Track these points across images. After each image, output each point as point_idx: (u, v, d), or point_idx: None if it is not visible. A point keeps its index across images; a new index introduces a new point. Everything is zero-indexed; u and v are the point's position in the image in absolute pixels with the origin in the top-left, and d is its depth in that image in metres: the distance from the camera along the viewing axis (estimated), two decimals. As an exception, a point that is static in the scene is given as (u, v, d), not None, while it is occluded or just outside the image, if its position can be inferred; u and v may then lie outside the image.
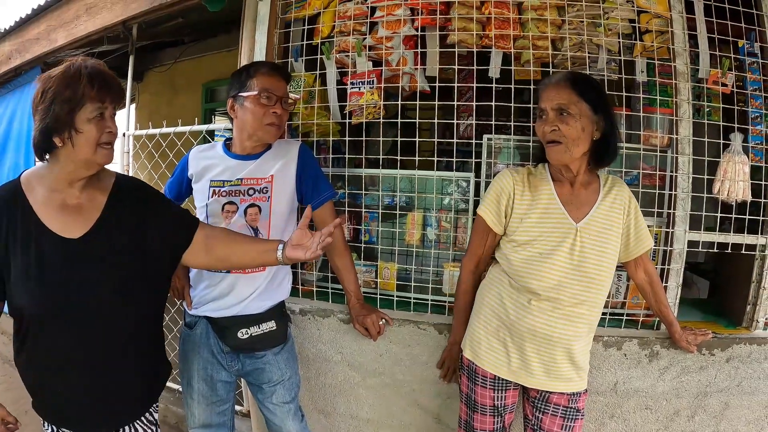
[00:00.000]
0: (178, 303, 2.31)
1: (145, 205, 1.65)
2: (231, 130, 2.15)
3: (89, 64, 1.47)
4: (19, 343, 1.54)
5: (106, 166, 1.59)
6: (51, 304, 1.46)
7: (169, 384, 3.27)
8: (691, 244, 2.24)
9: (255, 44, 2.51)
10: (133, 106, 3.60)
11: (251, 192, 2.03)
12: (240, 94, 2.01)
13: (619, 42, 2.27)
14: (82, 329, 1.50)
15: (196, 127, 2.87)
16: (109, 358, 1.56)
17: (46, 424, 1.64)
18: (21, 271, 1.46)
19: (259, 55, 2.49)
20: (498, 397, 1.88)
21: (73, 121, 1.42)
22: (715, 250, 2.27)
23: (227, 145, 2.13)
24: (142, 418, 1.73)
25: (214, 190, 2.04)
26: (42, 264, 1.46)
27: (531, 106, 2.00)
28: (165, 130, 2.95)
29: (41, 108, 1.44)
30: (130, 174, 3.14)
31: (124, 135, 3.13)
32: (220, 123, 2.85)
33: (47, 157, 1.51)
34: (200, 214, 2.08)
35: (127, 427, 1.70)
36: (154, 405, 1.78)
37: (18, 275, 1.46)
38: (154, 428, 1.78)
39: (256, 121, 1.99)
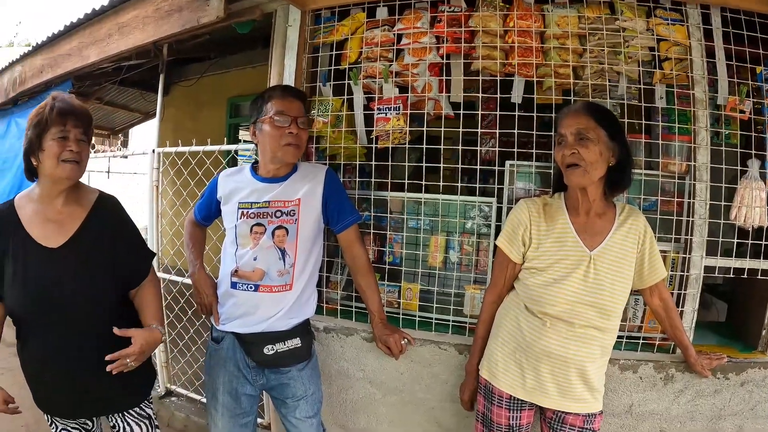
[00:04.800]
0: (203, 317, 2.37)
1: (117, 226, 1.91)
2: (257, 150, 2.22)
3: (60, 98, 1.78)
4: (18, 341, 1.81)
5: (92, 185, 1.96)
6: (30, 303, 1.72)
7: (190, 395, 3.39)
8: (708, 269, 2.27)
9: (284, 69, 2.58)
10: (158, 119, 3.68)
11: (278, 214, 2.08)
12: (258, 119, 2.11)
13: (639, 69, 2.30)
14: (60, 326, 1.74)
15: (225, 147, 2.94)
16: (84, 353, 1.77)
17: (47, 416, 1.93)
18: (10, 277, 1.72)
19: (289, 79, 2.56)
20: (513, 416, 1.92)
21: (41, 142, 1.72)
22: (733, 275, 2.30)
23: (254, 168, 2.20)
24: (132, 412, 2.00)
25: (242, 212, 2.11)
26: (26, 269, 1.71)
27: (552, 133, 2.05)
28: (194, 148, 3.01)
29: (25, 136, 1.78)
30: (159, 190, 3.24)
31: (153, 151, 3.20)
32: (245, 142, 2.90)
33: (35, 178, 1.82)
34: (229, 236, 2.15)
35: (118, 418, 1.98)
36: (144, 401, 2.03)
37: (8, 281, 1.73)
38: (147, 422, 2.04)
39: (274, 143, 2.07)
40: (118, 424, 2.01)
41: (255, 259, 2.06)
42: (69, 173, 1.74)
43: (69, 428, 1.96)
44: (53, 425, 1.95)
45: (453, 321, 2.41)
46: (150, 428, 2.07)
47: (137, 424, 2.02)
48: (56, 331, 1.74)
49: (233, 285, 2.10)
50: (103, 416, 2.08)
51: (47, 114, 1.72)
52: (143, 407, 2.04)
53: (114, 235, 1.87)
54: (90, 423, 2.02)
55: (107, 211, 1.90)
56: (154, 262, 3.20)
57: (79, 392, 1.83)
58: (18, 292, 1.72)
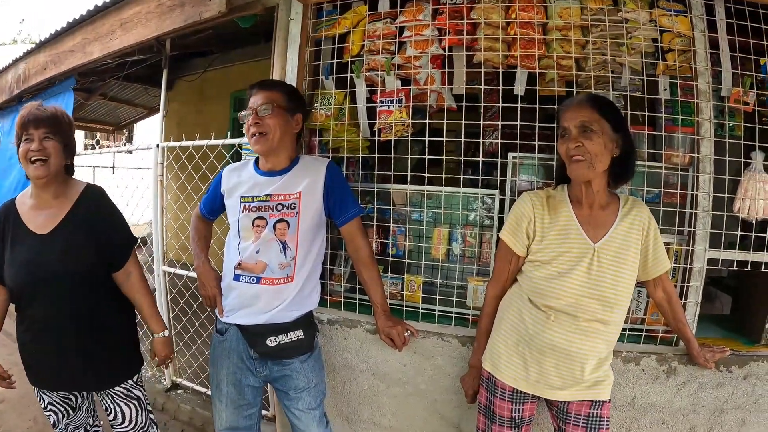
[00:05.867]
0: (208, 310, 2.38)
1: (99, 213, 2.12)
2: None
3: (26, 109, 2.04)
4: (17, 318, 2.05)
5: (81, 180, 2.18)
6: (23, 280, 1.96)
7: (195, 387, 3.42)
8: (711, 261, 2.25)
9: (287, 62, 2.58)
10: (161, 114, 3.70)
11: (279, 207, 2.09)
12: None
13: (642, 61, 2.29)
14: (46, 301, 1.97)
15: (229, 141, 2.95)
16: (67, 325, 1.99)
17: (36, 390, 2.12)
18: (9, 261, 1.99)
19: (291, 73, 2.56)
20: (516, 409, 1.92)
21: (18, 148, 2.00)
22: (736, 268, 2.29)
23: (257, 162, 2.22)
24: (119, 393, 2.16)
25: (244, 206, 2.13)
26: (21, 253, 1.97)
27: (555, 125, 2.05)
28: (198, 142, 3.02)
29: None
30: (164, 185, 3.25)
31: (157, 146, 3.21)
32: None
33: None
34: (232, 229, 2.17)
35: (108, 401, 2.16)
36: (130, 381, 2.19)
37: (8, 263, 1.99)
38: (136, 403, 2.22)
39: (247, 138, 2.15)
40: (109, 407, 2.17)
41: (258, 252, 2.08)
42: (34, 172, 1.98)
43: (54, 402, 2.12)
44: (41, 399, 2.12)
45: (456, 313, 2.41)
46: (139, 409, 2.21)
47: (126, 405, 2.18)
48: (43, 306, 1.97)
49: (236, 277, 2.12)
50: (96, 399, 2.25)
51: (17, 124, 2.02)
52: (131, 389, 2.19)
53: (96, 219, 2.09)
54: (73, 399, 2.15)
55: (91, 200, 2.12)
56: (159, 254, 3.26)
57: (60, 363, 2.02)
58: (15, 270, 1.97)
